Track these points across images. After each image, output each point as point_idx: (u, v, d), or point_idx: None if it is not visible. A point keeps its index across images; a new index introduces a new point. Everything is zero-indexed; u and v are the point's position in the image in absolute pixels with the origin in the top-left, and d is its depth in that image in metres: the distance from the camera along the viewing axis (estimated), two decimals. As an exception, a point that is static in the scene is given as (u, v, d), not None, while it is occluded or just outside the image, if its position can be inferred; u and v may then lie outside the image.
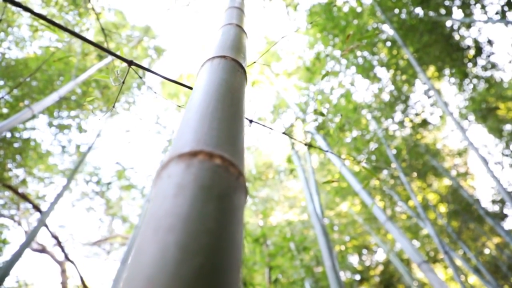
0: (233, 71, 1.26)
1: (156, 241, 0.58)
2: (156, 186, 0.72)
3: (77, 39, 6.63)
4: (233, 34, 1.75)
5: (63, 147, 7.63)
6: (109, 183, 9.20)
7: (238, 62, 1.36)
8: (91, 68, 5.92)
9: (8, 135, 6.86)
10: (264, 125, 2.07)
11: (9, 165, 7.35)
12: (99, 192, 9.28)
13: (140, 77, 1.44)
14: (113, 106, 1.46)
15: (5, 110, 6.83)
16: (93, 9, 6.68)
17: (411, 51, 8.58)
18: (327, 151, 2.18)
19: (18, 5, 1.37)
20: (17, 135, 7.05)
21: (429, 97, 9.30)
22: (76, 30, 7.15)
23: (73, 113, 7.37)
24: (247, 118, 2.01)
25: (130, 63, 1.36)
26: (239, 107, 1.06)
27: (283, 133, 2.26)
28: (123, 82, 1.45)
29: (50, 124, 7.24)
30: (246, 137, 1.07)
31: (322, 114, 2.58)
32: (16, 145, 7.17)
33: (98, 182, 9.10)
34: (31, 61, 6.51)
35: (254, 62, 1.94)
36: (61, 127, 7.29)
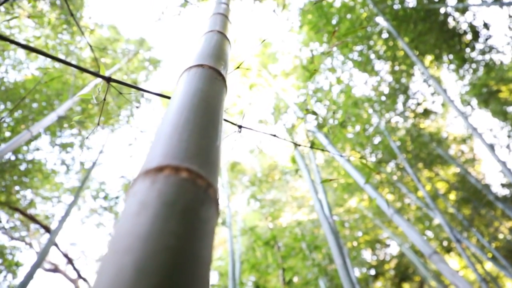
0: (210, 80, 1.25)
1: (114, 262, 0.57)
2: (124, 205, 0.72)
3: (72, 57, 6.68)
4: (214, 41, 1.74)
5: (67, 165, 7.68)
6: (116, 197, 9.24)
7: (216, 70, 1.34)
8: (88, 85, 5.96)
9: (12, 157, 6.92)
10: (254, 129, 2.06)
11: (16, 187, 7.40)
12: (107, 207, 9.32)
13: (120, 93, 1.44)
14: (98, 124, 1.46)
15: (8, 134, 6.88)
16: (86, 27, 6.73)
17: (407, 41, 8.53)
18: (324, 150, 2.16)
19: (4, 39, 1.38)
20: (21, 157, 7.10)
21: (429, 86, 9.24)
22: (71, 47, 7.21)
23: (74, 131, 7.42)
24: (236, 124, 2.00)
25: (108, 80, 1.36)
26: (214, 116, 1.04)
27: (275, 135, 2.25)
28: (104, 99, 1.45)
29: (53, 144, 7.29)
30: (223, 145, 1.05)
31: (314, 113, 2.56)
32: (21, 167, 7.23)
33: (105, 198, 9.13)
34: (29, 82, 6.57)
35: (238, 67, 1.93)
36: (64, 146, 7.34)
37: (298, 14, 8.35)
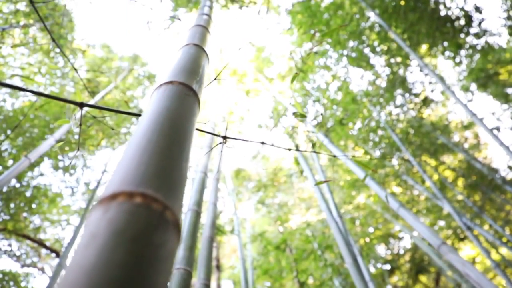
0: (179, 97, 1.23)
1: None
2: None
3: (67, 80, 6.73)
4: (189, 55, 1.73)
5: (72, 188, 7.73)
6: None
7: (187, 85, 1.33)
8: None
9: (17, 185, 6.97)
10: (240, 139, 2.05)
11: (24, 214, 7.45)
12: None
13: (94, 117, 1.44)
14: (78, 149, 1.46)
15: (10, 162, 6.93)
16: (78, 48, 6.79)
17: (399, 32, 8.50)
18: (318, 153, 2.14)
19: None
20: (26, 183, 7.15)
21: (425, 75, 9.19)
22: (67, 69, 7.27)
23: (77, 152, 7.41)
24: (220, 136, 1.99)
25: (80, 105, 1.36)
26: (180, 135, 1.03)
27: (263, 142, 2.23)
28: (80, 125, 1.45)
29: (56, 168, 7.34)
30: (190, 163, 1.04)
31: (303, 115, 2.55)
32: (27, 193, 7.27)
33: (113, 216, 9.05)
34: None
35: (215, 78, 1.92)
36: (67, 169, 7.38)
37: (287, 15, 8.36)
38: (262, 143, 2.13)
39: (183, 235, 3.82)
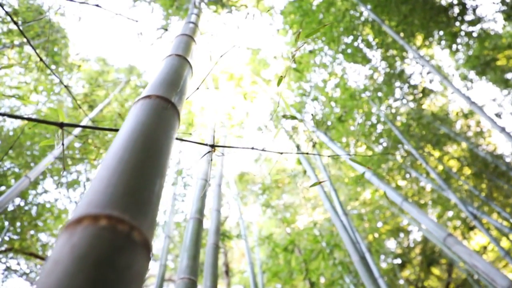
0: (155, 111, 1.22)
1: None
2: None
3: (68, 94, 6.76)
4: (171, 66, 1.72)
5: (76, 203, 7.75)
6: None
7: (165, 99, 1.32)
8: (82, 120, 6.02)
9: (22, 203, 7.00)
10: (230, 147, 2.04)
11: (31, 232, 7.47)
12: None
13: (76, 136, 1.43)
14: (64, 169, 1.46)
15: (13, 181, 6.96)
16: (73, 64, 6.83)
17: (393, 26, 8.48)
18: (314, 154, 2.12)
19: None
20: (30, 201, 7.18)
21: (422, 66, 9.15)
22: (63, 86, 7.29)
23: (79, 167, 7.50)
24: (209, 145, 1.98)
25: (60, 125, 1.36)
26: (154, 150, 1.02)
27: (252, 148, 2.22)
28: (63, 145, 1.44)
29: (60, 184, 7.36)
30: (165, 178, 1.03)
31: (294, 117, 2.54)
32: (32, 211, 7.30)
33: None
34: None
35: (202, 82, 1.91)
36: (70, 184, 7.42)
37: (280, 15, 8.37)
38: (252, 148, 2.12)
39: (186, 244, 3.80)
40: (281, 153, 2.32)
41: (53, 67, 6.50)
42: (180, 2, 6.16)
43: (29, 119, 1.33)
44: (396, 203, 4.95)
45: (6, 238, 6.72)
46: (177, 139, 1.79)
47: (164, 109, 1.26)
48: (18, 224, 6.75)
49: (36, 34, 5.62)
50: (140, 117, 1.15)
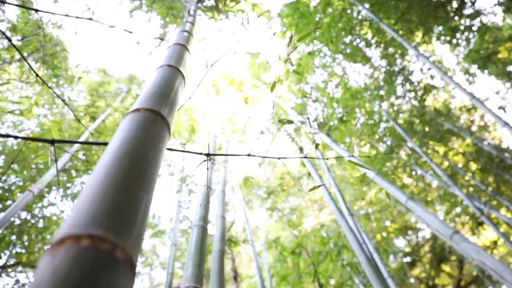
0: (144, 125, 1.21)
1: None
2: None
3: (65, 107, 6.80)
4: (161, 78, 1.71)
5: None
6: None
7: (154, 111, 1.31)
8: (84, 133, 6.06)
9: (28, 217, 7.04)
10: (226, 154, 2.03)
11: (39, 245, 7.50)
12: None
13: (66, 151, 1.43)
14: (59, 185, 1.46)
15: (19, 195, 7.00)
16: (73, 76, 6.87)
17: (391, 23, 8.45)
18: (313, 158, 2.11)
19: None
20: (37, 214, 7.21)
21: (423, 63, 9.11)
22: (66, 95, 7.35)
23: (84, 178, 7.52)
24: (204, 154, 1.97)
25: (52, 142, 1.36)
26: (141, 165, 1.01)
27: (249, 154, 2.22)
28: (56, 161, 1.44)
29: (66, 195, 7.39)
30: (153, 191, 1.03)
31: (290, 122, 2.53)
32: (39, 225, 7.33)
33: (127, 237, 9.09)
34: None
35: (189, 99, 1.91)
36: (75, 196, 7.44)
37: (277, 18, 8.37)
38: (249, 155, 2.11)
39: (191, 252, 3.80)
40: (279, 158, 2.32)
41: (54, 79, 6.55)
42: (177, 10, 6.19)
43: (19, 137, 1.33)
44: (401, 202, 4.92)
45: (14, 252, 6.75)
46: (171, 149, 1.79)
47: (152, 122, 1.26)
48: (25, 237, 6.78)
49: (35, 49, 5.67)
50: (128, 132, 1.15)
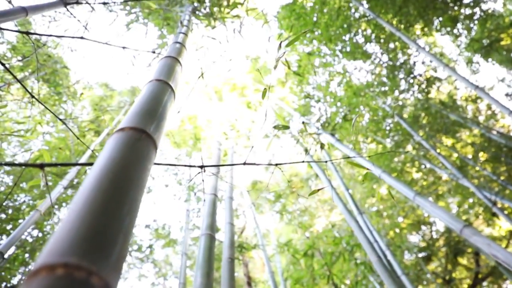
0: (127, 144, 1.20)
1: None
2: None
3: (71, 123, 6.86)
4: (149, 94, 1.70)
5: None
6: (150, 246, 9.32)
7: (139, 130, 1.31)
8: (89, 148, 6.08)
9: (40, 234, 7.09)
10: (221, 165, 2.03)
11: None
12: (143, 258, 9.40)
13: (56, 175, 1.43)
14: (52, 206, 1.46)
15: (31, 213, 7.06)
16: (75, 93, 6.93)
17: (389, 18, 8.41)
18: (309, 161, 2.09)
19: None
20: (48, 232, 7.27)
21: (423, 56, 9.03)
22: (70, 111, 7.41)
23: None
24: (197, 166, 1.97)
25: (41, 166, 1.37)
26: (122, 187, 1.00)
27: (244, 163, 2.21)
28: (47, 184, 1.45)
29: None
30: (136, 213, 1.03)
31: (286, 127, 2.52)
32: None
33: (139, 249, 9.23)
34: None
35: (179, 112, 1.91)
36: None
37: (274, 21, 8.37)
38: (244, 163, 2.11)
39: (199, 261, 3.79)
40: (276, 165, 2.30)
41: (56, 97, 6.62)
42: (173, 21, 6.21)
43: (9, 164, 1.34)
44: (409, 198, 4.86)
45: (28, 271, 6.80)
46: (160, 164, 1.79)
47: (137, 141, 1.25)
48: (38, 256, 6.82)
49: (35, 68, 5.73)
50: (110, 153, 1.14)
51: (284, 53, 1.96)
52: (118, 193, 0.99)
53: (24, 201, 6.94)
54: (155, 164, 1.71)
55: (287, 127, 2.46)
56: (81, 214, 0.87)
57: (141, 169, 1.15)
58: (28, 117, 5.70)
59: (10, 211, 6.33)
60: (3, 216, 6.20)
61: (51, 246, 0.80)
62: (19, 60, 6.08)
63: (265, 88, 2.03)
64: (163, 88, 1.83)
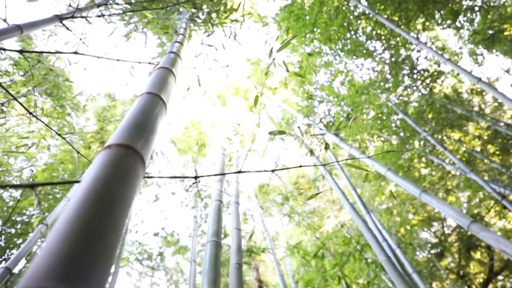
0: (113, 162, 1.19)
1: None
2: None
3: (75, 136, 6.91)
4: (138, 108, 1.68)
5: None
6: (161, 254, 9.35)
7: (126, 146, 1.30)
8: (91, 162, 6.12)
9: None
10: (215, 174, 2.02)
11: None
12: (154, 266, 9.42)
13: (49, 195, 1.43)
14: (47, 226, 1.46)
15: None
16: (78, 106, 6.99)
17: (390, 14, 8.35)
18: (307, 165, 2.07)
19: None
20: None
21: (421, 50, 8.95)
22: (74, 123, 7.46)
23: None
24: (191, 177, 1.96)
25: (31, 186, 1.37)
26: (105, 206, 0.99)
27: (240, 171, 2.20)
28: (39, 204, 1.45)
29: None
30: (121, 227, 1.03)
31: (282, 133, 2.50)
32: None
33: (149, 257, 9.26)
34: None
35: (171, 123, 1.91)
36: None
37: (274, 23, 8.37)
38: (239, 172, 2.09)
39: (205, 269, 3.78)
40: (272, 171, 2.29)
41: (60, 110, 6.67)
42: (172, 28, 6.23)
43: (5, 186, 1.35)
44: (425, 190, 4.80)
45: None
46: (149, 177, 1.79)
47: (123, 158, 1.24)
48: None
49: (37, 82, 5.79)
50: (95, 172, 1.13)
51: (274, 59, 1.95)
52: (101, 213, 0.98)
53: (33, 215, 7.00)
54: (147, 177, 1.70)
55: (282, 133, 2.44)
56: (62, 237, 0.86)
57: (126, 187, 1.15)
58: (32, 131, 5.77)
59: (19, 226, 6.39)
60: (13, 230, 6.26)
61: (31, 270, 0.79)
62: (21, 75, 6.14)
63: (256, 96, 2.02)
64: (153, 101, 1.83)
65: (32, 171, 6.46)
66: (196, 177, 1.84)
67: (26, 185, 1.39)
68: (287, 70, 2.99)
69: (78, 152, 2.86)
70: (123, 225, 1.04)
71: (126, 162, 1.27)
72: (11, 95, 2.45)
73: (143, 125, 1.58)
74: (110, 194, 1.08)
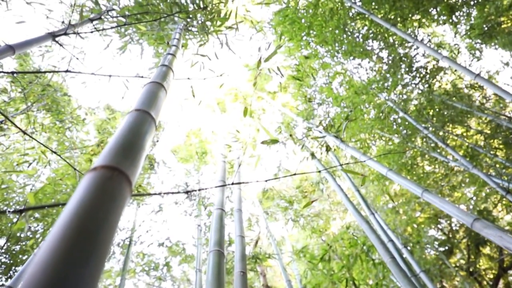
0: (97, 185, 1.18)
1: None
2: None
3: (76, 150, 6.93)
4: (126, 127, 1.66)
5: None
6: (167, 264, 9.34)
7: (111, 167, 1.28)
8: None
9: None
10: (205, 188, 2.00)
11: None
12: (161, 276, 9.41)
13: (44, 218, 1.42)
14: (42, 242, 1.46)
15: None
16: (77, 120, 7.01)
17: (384, 12, 8.34)
18: (306, 172, 2.06)
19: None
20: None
21: (417, 47, 8.92)
22: (75, 136, 7.48)
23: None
24: (183, 192, 1.95)
25: (20, 211, 1.36)
26: (87, 231, 0.98)
27: (238, 183, 2.18)
28: (30, 227, 1.44)
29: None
30: (107, 249, 1.02)
31: (275, 141, 2.48)
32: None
33: (155, 268, 9.25)
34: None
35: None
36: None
37: (269, 28, 8.38)
38: (233, 183, 2.08)
39: (209, 279, 3.76)
40: (266, 181, 2.27)
41: (59, 125, 6.70)
42: (167, 38, 6.24)
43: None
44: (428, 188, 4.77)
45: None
46: (137, 195, 1.78)
47: (107, 180, 1.23)
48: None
49: (36, 99, 5.82)
50: (78, 197, 1.12)
51: (261, 70, 1.94)
52: (83, 238, 0.97)
53: (37, 231, 7.01)
54: (136, 195, 1.69)
55: (276, 141, 2.43)
56: (44, 266, 0.86)
57: (111, 210, 1.14)
58: (32, 147, 5.78)
59: (24, 242, 6.40)
60: (17, 248, 6.27)
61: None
62: (19, 92, 6.17)
63: (245, 107, 2.01)
64: (142, 119, 1.81)
65: (34, 186, 6.49)
66: (187, 192, 1.83)
67: (15, 211, 1.38)
68: (282, 76, 2.98)
69: (75, 169, 2.86)
70: (108, 250, 1.03)
71: (111, 184, 1.26)
72: (4, 115, 2.45)
73: (130, 144, 1.57)
74: (94, 219, 1.07)
